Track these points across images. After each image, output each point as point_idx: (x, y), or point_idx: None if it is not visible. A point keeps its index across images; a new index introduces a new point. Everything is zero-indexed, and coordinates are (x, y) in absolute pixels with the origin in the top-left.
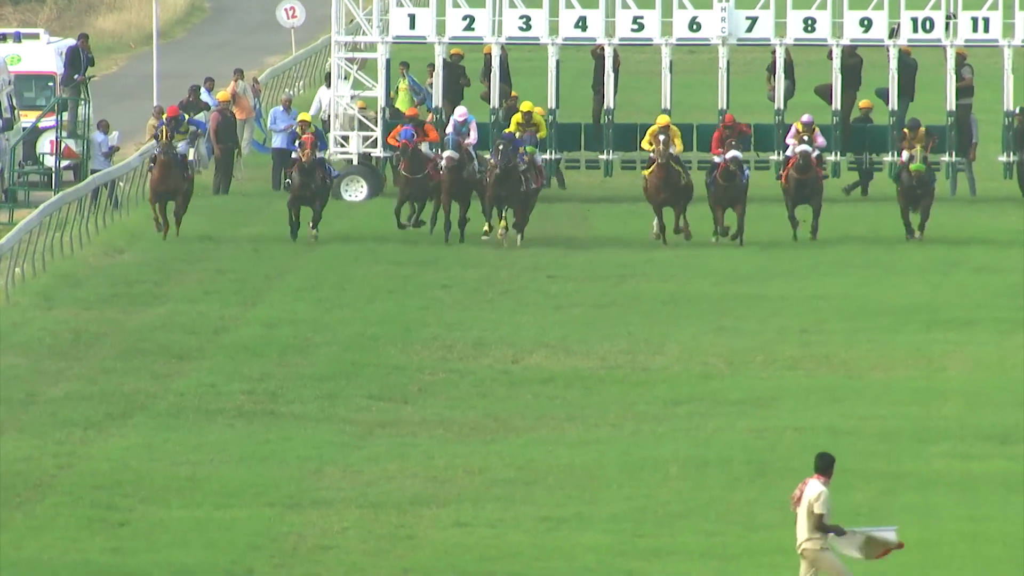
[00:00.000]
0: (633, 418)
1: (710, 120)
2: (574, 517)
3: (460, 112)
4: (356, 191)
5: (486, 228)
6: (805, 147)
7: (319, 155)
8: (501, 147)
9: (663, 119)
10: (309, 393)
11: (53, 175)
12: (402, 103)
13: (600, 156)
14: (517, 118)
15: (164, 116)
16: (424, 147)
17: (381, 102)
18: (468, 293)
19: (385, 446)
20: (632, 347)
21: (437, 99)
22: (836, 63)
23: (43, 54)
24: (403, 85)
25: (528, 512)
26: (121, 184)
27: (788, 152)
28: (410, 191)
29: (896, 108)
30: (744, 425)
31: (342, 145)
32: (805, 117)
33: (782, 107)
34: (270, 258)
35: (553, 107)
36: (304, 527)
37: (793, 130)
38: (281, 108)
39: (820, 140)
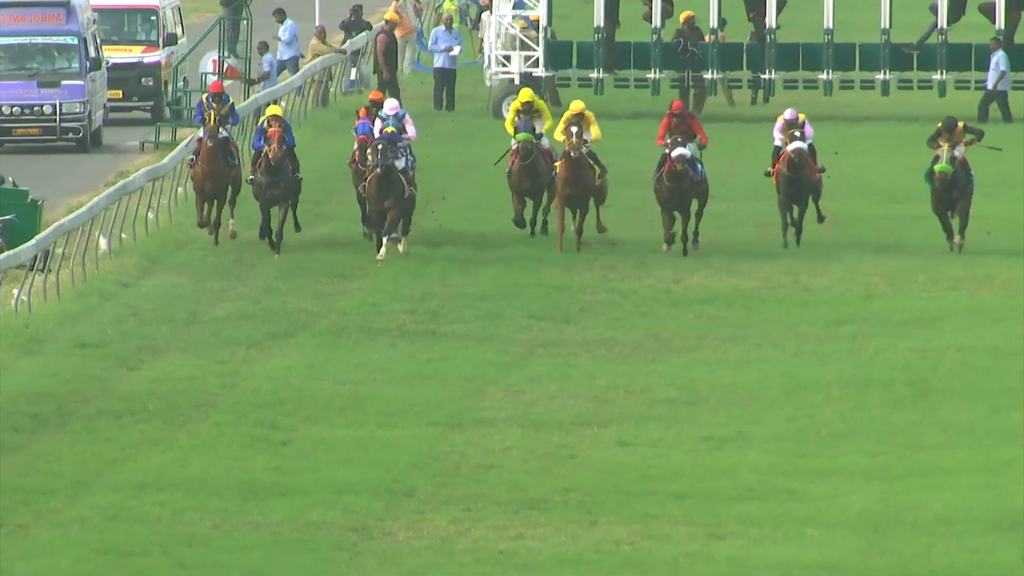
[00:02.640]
0: (795, 338)
1: (873, 39)
2: (736, 437)
3: (390, 106)
4: None
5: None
6: (799, 144)
7: (286, 148)
8: (380, 147)
9: (577, 105)
10: (471, 313)
11: None
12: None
13: (762, 75)
14: (516, 106)
15: (205, 95)
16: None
17: (543, 21)
18: (630, 213)
19: (547, 366)
20: (794, 267)
21: (597, 19)
22: None
23: None
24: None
25: (690, 432)
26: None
27: (777, 143)
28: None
29: None
30: (906, 345)
31: (504, 64)
32: (788, 113)
33: (944, 26)
34: (432, 177)
35: (714, 27)
36: (466, 446)
37: (779, 124)
38: (443, 28)
39: (809, 131)
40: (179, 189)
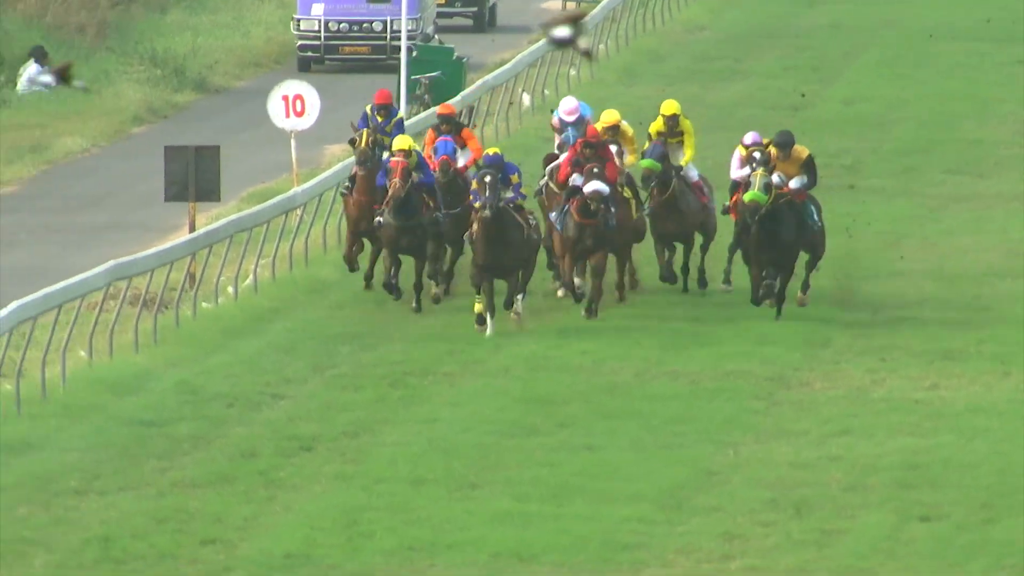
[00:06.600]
0: None
1: None
2: None
3: (568, 107)
4: None
5: (478, 307)
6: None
7: (417, 180)
8: (488, 179)
9: (612, 116)
10: (887, 168)
11: None
12: None
13: None
14: (655, 127)
15: (369, 107)
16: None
17: None
18: None
19: (960, 220)
20: None
21: None
22: None
23: None
24: None
25: None
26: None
27: (736, 176)
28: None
29: None
30: None
31: None
32: (748, 137)
33: None
34: (848, 34)
35: None
36: (883, 298)
37: (737, 155)
38: None
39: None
40: (600, 45)
